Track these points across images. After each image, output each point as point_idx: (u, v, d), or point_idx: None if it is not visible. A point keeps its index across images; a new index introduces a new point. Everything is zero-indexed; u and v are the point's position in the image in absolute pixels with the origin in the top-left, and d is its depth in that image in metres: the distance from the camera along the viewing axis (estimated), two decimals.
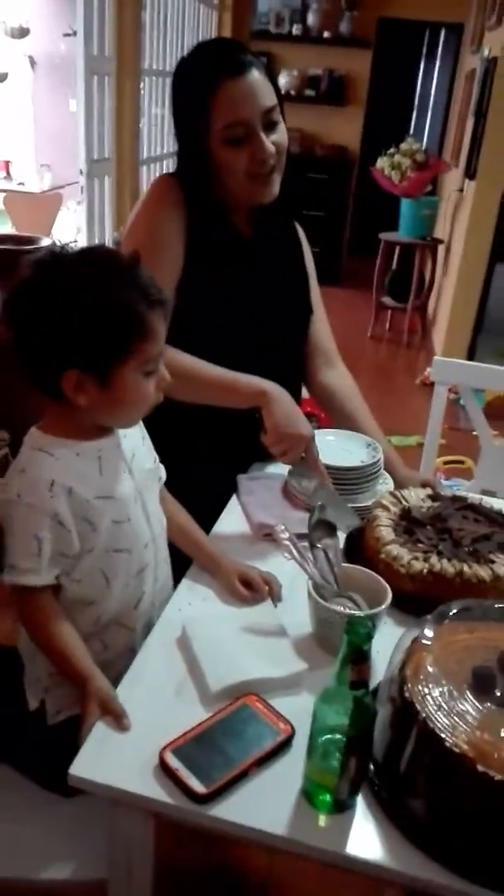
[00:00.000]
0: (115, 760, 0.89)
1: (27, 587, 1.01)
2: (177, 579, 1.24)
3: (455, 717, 0.81)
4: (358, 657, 0.78)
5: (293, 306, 1.58)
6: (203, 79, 1.33)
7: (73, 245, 1.06)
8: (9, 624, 1.16)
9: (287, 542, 1.10)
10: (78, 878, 1.05)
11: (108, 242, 4.66)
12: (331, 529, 1.15)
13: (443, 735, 0.80)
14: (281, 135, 1.38)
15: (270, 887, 1.60)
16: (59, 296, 0.96)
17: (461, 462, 3.37)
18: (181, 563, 1.25)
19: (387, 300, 5.74)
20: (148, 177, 5.24)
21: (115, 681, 1.00)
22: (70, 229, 5.10)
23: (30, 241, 3.15)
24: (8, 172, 7.33)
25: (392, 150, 5.19)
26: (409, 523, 1.26)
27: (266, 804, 0.85)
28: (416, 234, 5.44)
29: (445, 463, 3.36)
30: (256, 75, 1.32)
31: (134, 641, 1.14)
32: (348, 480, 1.39)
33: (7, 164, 7.41)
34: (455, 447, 3.50)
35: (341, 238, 6.97)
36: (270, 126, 1.35)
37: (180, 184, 1.42)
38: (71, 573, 1.06)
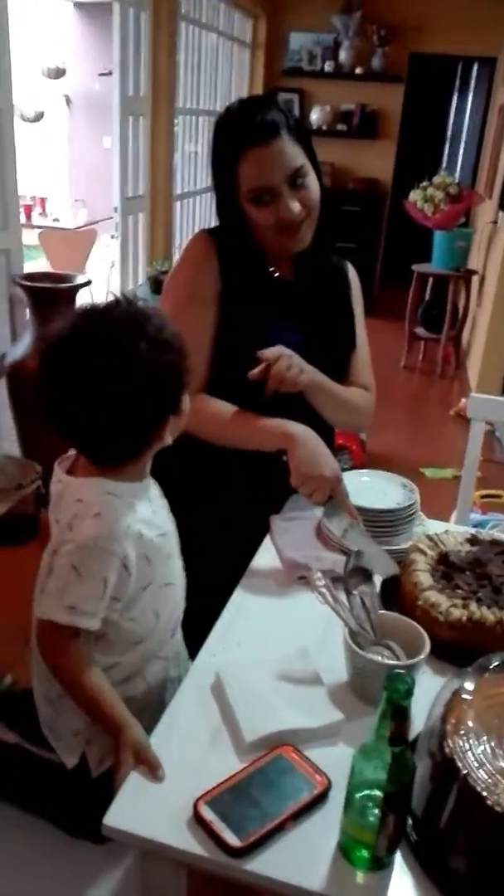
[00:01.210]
0: (148, 811, 0.88)
1: (72, 630, 1.01)
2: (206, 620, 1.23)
3: (497, 775, 0.79)
4: (397, 713, 0.77)
5: (333, 343, 1.59)
6: (230, 144, 1.38)
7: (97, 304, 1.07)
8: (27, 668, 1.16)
9: (323, 590, 1.09)
10: None
11: (142, 277, 4.74)
12: (367, 576, 1.13)
13: (484, 793, 0.78)
14: (310, 190, 1.41)
15: None
16: (143, 363, 0.99)
17: (498, 496, 3.32)
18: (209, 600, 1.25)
19: (420, 331, 5.74)
20: (181, 212, 5.33)
21: (154, 717, 1.01)
22: (103, 263, 5.19)
23: (65, 279, 3.22)
24: (43, 209, 7.51)
25: (425, 183, 5.22)
26: (446, 568, 1.24)
27: (302, 859, 0.84)
28: (449, 266, 5.44)
29: (482, 497, 3.32)
30: (283, 138, 1.36)
31: (168, 672, 1.16)
32: (384, 523, 1.38)
33: (43, 201, 7.60)
34: (491, 480, 3.46)
35: (374, 269, 7.00)
36: (297, 184, 1.39)
37: (215, 239, 1.47)
38: (125, 613, 1.07)
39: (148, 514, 1.09)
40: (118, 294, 1.07)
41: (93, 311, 1.04)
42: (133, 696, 1.11)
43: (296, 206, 1.38)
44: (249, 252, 1.46)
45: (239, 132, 1.38)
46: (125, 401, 0.99)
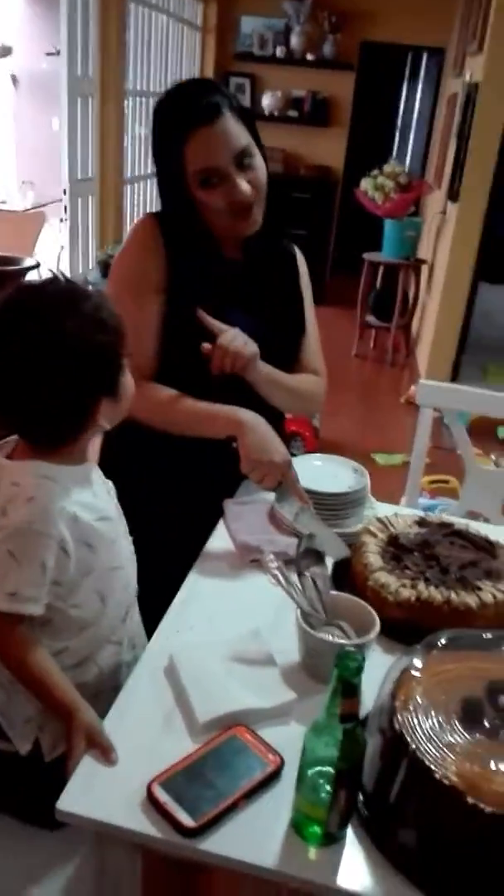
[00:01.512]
0: (102, 794, 0.88)
1: (16, 616, 0.99)
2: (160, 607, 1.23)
3: (445, 749, 0.81)
4: (348, 691, 0.78)
5: (285, 328, 1.59)
6: (175, 126, 1.36)
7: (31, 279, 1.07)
8: None
9: (276, 571, 1.10)
10: None
11: (92, 261, 4.67)
12: (319, 557, 1.15)
13: (433, 767, 0.80)
14: (257, 171, 1.41)
15: None
16: (72, 340, 0.97)
17: (446, 481, 3.39)
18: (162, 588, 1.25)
19: (371, 319, 5.79)
20: (132, 195, 5.27)
21: (109, 701, 1.01)
22: (53, 246, 5.10)
23: (13, 261, 3.17)
24: None
25: (375, 171, 5.25)
26: (396, 549, 1.26)
27: (255, 837, 0.85)
28: (399, 255, 5.49)
29: (431, 482, 3.38)
30: (227, 119, 1.35)
31: (121, 656, 1.15)
32: (336, 506, 1.39)
33: None
34: (440, 465, 3.52)
35: (325, 257, 7.03)
36: (244, 165, 1.38)
37: (161, 223, 1.45)
38: (68, 599, 1.06)
39: (87, 498, 1.08)
40: (57, 272, 1.05)
41: (27, 287, 1.04)
42: (85, 682, 1.10)
43: (246, 187, 1.37)
44: (198, 236, 1.44)
45: (182, 113, 1.36)
46: (54, 377, 0.98)
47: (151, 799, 0.86)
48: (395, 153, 7.22)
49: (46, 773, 1.06)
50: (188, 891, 0.97)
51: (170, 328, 1.43)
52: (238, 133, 1.37)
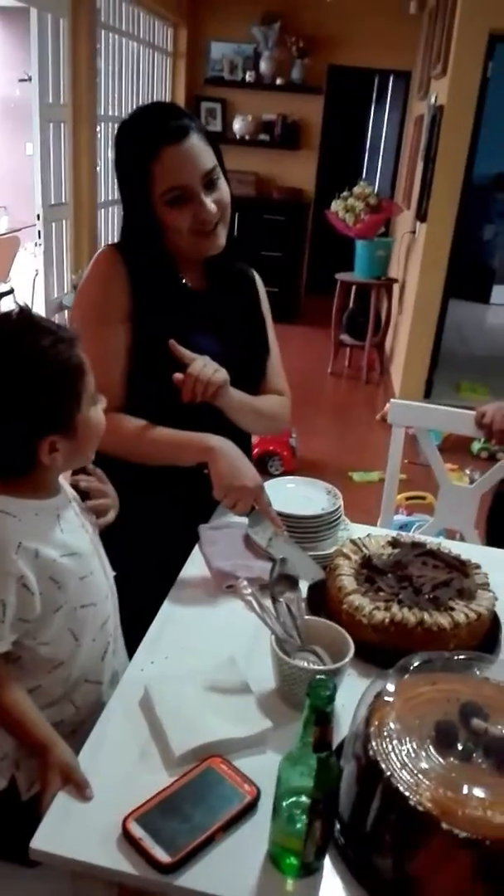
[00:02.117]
0: (77, 831, 0.87)
1: None
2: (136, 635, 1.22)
3: (419, 775, 0.82)
4: (320, 719, 0.78)
5: (250, 350, 1.60)
6: (143, 145, 1.37)
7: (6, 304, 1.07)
8: None
9: (249, 598, 1.10)
10: None
11: (67, 285, 4.68)
12: (293, 583, 1.15)
13: (407, 794, 0.80)
14: (222, 192, 1.43)
15: None
16: (16, 374, 0.97)
17: (423, 497, 3.41)
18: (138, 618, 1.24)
19: (345, 338, 5.84)
20: (106, 220, 5.29)
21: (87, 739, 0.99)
22: (28, 271, 5.10)
23: None
24: None
25: (346, 193, 5.32)
26: (370, 571, 1.27)
27: (232, 870, 0.84)
28: (371, 275, 5.56)
29: (407, 499, 3.40)
30: (195, 140, 1.37)
31: (102, 695, 1.14)
32: (310, 529, 1.40)
33: None
34: (416, 482, 3.55)
35: (299, 278, 7.09)
36: (211, 185, 1.40)
37: (123, 253, 1.46)
38: (37, 636, 1.04)
39: (52, 533, 1.05)
40: (23, 305, 1.04)
41: None
42: (62, 720, 1.09)
43: (211, 206, 1.39)
44: (159, 261, 1.46)
45: (150, 132, 1.37)
46: (9, 408, 0.97)
47: (127, 835, 0.85)
48: (364, 174, 7.31)
49: (23, 810, 1.05)
50: None
51: (137, 357, 1.43)
52: (205, 154, 1.39)
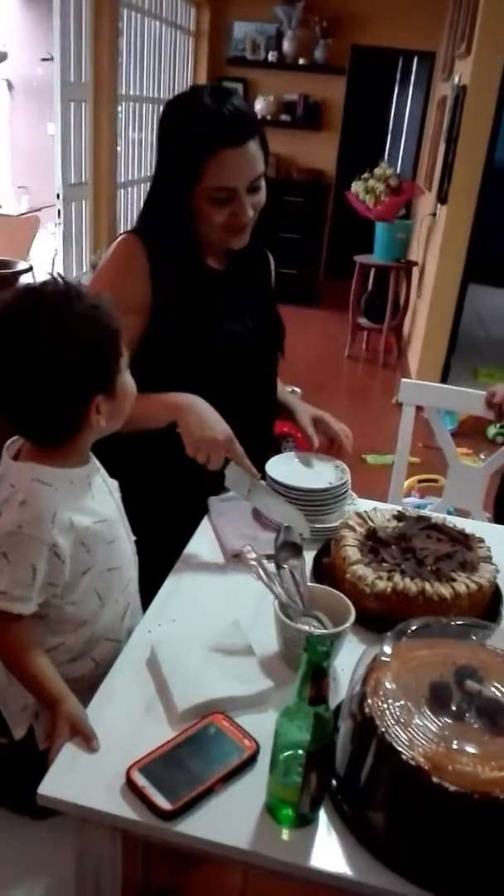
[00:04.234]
0: (83, 779, 0.90)
1: (11, 614, 1.03)
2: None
3: (412, 731, 0.84)
4: (317, 674, 0.81)
5: (271, 329, 1.62)
6: (203, 137, 1.35)
7: (14, 287, 1.11)
8: None
9: (254, 563, 1.13)
10: None
11: (86, 265, 4.70)
12: (297, 550, 1.18)
13: (400, 749, 0.83)
14: (261, 195, 1.45)
15: None
16: (65, 338, 1.01)
17: (435, 480, 3.41)
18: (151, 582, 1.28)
19: (363, 321, 5.82)
20: (126, 199, 5.30)
21: None
22: (48, 251, 5.13)
23: (5, 264, 3.20)
24: None
25: (366, 174, 5.29)
26: (374, 543, 1.29)
27: (231, 819, 0.87)
28: (390, 257, 5.53)
29: (420, 482, 3.41)
30: (253, 146, 1.38)
31: (119, 653, 1.17)
32: (316, 502, 1.42)
33: None
34: (430, 465, 3.55)
35: (318, 260, 7.06)
36: (254, 189, 1.42)
37: (143, 239, 1.46)
38: (65, 597, 1.09)
39: (85, 501, 1.10)
40: (55, 274, 1.08)
41: (26, 288, 1.08)
42: (81, 675, 1.14)
43: (250, 210, 1.42)
44: (185, 244, 1.46)
45: (214, 128, 1.36)
46: (49, 374, 1.01)
47: (130, 784, 0.89)
48: (386, 156, 7.25)
49: (39, 760, 1.09)
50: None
51: (166, 344, 1.44)
52: (259, 159, 1.40)
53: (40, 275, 4.47)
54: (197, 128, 1.37)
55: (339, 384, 5.33)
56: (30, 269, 3.21)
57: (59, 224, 4.44)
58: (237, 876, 1.56)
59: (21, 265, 3.21)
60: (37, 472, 1.05)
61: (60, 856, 1.07)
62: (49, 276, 1.08)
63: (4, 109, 8.84)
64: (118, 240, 1.51)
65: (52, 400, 1.03)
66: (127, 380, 1.12)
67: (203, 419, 1.35)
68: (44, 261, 5.06)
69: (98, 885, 0.95)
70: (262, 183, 1.44)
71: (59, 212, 4.39)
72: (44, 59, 7.46)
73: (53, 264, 4.91)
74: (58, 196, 4.35)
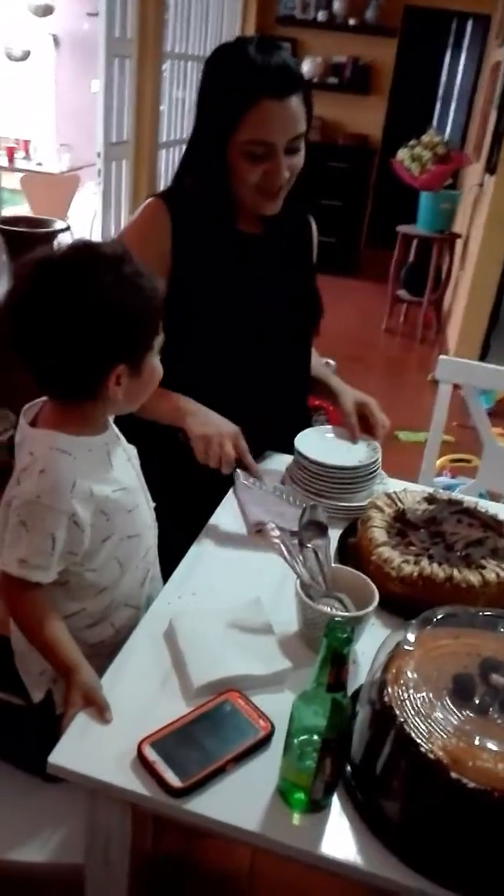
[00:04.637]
0: (94, 750, 0.90)
1: (30, 582, 1.02)
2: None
3: (432, 723, 0.82)
4: (336, 660, 0.78)
5: (306, 298, 1.57)
6: (243, 86, 1.29)
7: (62, 243, 1.08)
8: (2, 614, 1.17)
9: (276, 541, 1.10)
10: (57, 861, 1.06)
11: (124, 226, 4.66)
12: (321, 529, 1.15)
13: (419, 741, 0.80)
14: (299, 158, 1.38)
15: (252, 879, 1.61)
16: (98, 299, 0.98)
17: (468, 461, 3.35)
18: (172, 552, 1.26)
19: (402, 293, 5.70)
20: (167, 160, 5.22)
21: None
22: (87, 211, 5.09)
23: (43, 223, 3.17)
24: (27, 152, 7.28)
25: (413, 141, 5.13)
26: (402, 525, 1.26)
27: (241, 800, 0.86)
28: (434, 228, 5.39)
29: (452, 461, 3.35)
30: (296, 102, 1.31)
31: (138, 619, 1.17)
32: (345, 480, 1.38)
33: (27, 143, 7.36)
34: (465, 444, 3.49)
35: (359, 229, 6.92)
36: (292, 150, 1.35)
37: (169, 204, 1.42)
38: (85, 564, 1.08)
39: (104, 470, 1.08)
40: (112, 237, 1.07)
41: (84, 241, 1.07)
42: (101, 641, 1.14)
43: (286, 172, 1.35)
44: (216, 204, 1.41)
45: (256, 77, 1.29)
46: (79, 326, 0.98)
47: (141, 758, 0.88)
48: (435, 123, 7.04)
49: (55, 724, 1.09)
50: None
51: (177, 311, 1.39)
52: (300, 117, 1.33)
53: (79, 235, 4.45)
54: (238, 75, 1.31)
55: (375, 358, 5.24)
56: (67, 228, 3.17)
57: (100, 184, 4.39)
58: (247, 847, 1.56)
59: (58, 224, 3.18)
60: (56, 440, 1.03)
61: (74, 810, 1.07)
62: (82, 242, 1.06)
63: (50, 65, 8.74)
64: (144, 204, 1.47)
65: (77, 354, 1.00)
66: (155, 363, 1.09)
67: (207, 416, 1.34)
68: (83, 221, 5.03)
69: (107, 855, 0.95)
70: (302, 145, 1.37)
71: (99, 171, 4.33)
72: (90, 14, 7.34)
73: (92, 225, 4.87)
74: (98, 155, 4.29)
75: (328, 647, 0.78)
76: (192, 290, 1.40)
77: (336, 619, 0.83)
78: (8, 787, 1.15)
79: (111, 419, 1.14)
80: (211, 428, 1.32)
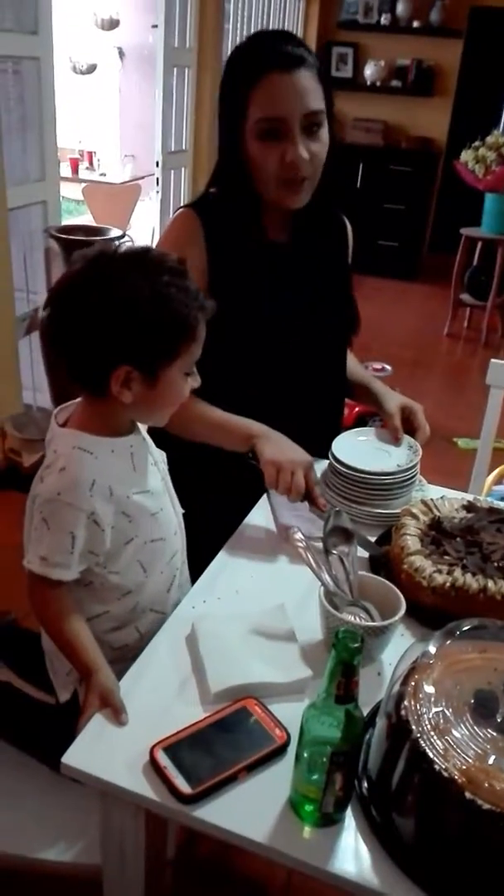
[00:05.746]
0: (107, 753, 0.89)
1: (52, 580, 1.03)
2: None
3: (448, 741, 0.78)
4: (346, 671, 0.76)
5: (336, 306, 1.54)
6: (249, 67, 1.29)
7: (124, 243, 1.08)
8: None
9: (300, 546, 1.08)
10: (79, 862, 1.06)
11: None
12: (347, 536, 1.12)
13: (433, 758, 0.77)
14: (321, 143, 1.33)
15: (289, 893, 1.59)
16: (118, 295, 0.98)
17: None
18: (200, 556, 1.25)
19: (466, 297, 5.58)
20: None
21: None
22: (148, 220, 5.16)
23: (100, 232, 3.22)
24: (91, 163, 7.45)
25: (477, 142, 5.02)
26: (437, 533, 1.22)
27: (252, 810, 0.84)
28: (499, 231, 5.25)
29: None
30: (306, 73, 1.28)
31: (164, 624, 1.16)
32: (381, 486, 1.35)
33: (91, 154, 7.54)
34: None
35: (422, 233, 6.81)
36: (311, 131, 1.31)
37: (200, 213, 1.41)
38: (108, 566, 1.08)
39: (126, 471, 1.08)
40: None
41: (145, 247, 1.09)
42: (126, 644, 1.13)
43: (304, 153, 1.29)
44: (244, 207, 1.39)
45: (260, 55, 1.28)
46: (90, 316, 0.98)
47: (153, 762, 0.87)
48: (501, 125, 6.87)
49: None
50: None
51: (218, 321, 1.40)
52: (314, 93, 1.29)
53: (140, 243, 4.50)
54: (245, 58, 1.31)
55: (436, 363, 5.14)
56: (123, 236, 3.21)
57: (158, 192, 4.44)
58: None
59: (113, 233, 3.22)
60: (79, 439, 1.04)
61: (93, 820, 1.07)
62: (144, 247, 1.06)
63: (115, 77, 8.93)
64: (174, 215, 1.45)
65: (84, 345, 1.00)
66: (179, 382, 1.06)
67: (282, 447, 1.31)
68: (143, 231, 5.09)
69: (123, 858, 0.94)
70: (324, 128, 1.32)
71: (157, 180, 4.39)
72: (154, 26, 7.46)
73: (153, 236, 4.93)
74: (157, 164, 4.34)
75: (337, 656, 0.76)
76: (222, 299, 1.39)
77: (345, 627, 0.80)
78: (39, 786, 1.15)
79: (136, 423, 1.13)
80: (284, 455, 1.29)
